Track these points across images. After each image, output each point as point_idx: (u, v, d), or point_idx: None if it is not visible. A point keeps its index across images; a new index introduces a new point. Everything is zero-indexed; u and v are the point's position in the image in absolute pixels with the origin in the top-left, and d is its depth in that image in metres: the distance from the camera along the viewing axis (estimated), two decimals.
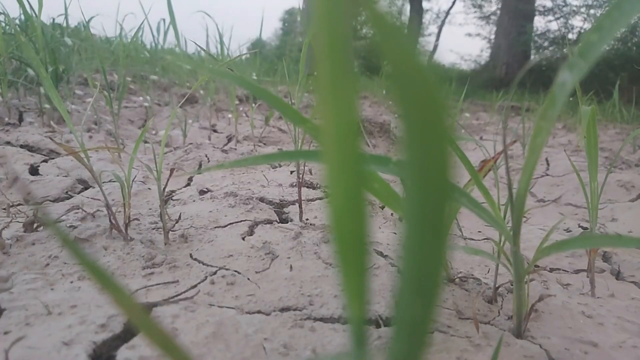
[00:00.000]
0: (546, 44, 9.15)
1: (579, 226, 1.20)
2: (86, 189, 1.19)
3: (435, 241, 0.16)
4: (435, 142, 0.15)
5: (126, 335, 0.56)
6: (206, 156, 1.63)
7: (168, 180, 0.89)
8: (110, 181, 1.20)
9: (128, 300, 0.18)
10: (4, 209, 0.94)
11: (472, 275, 0.79)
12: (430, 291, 0.17)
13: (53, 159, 1.40)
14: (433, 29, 13.35)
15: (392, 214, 1.16)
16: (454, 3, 12.53)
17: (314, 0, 0.15)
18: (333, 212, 0.18)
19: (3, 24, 2.13)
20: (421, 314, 0.17)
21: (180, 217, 0.94)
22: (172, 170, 0.89)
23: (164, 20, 3.29)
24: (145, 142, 1.81)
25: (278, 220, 1.05)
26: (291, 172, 1.50)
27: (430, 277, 0.17)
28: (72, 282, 0.68)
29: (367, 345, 0.20)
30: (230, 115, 2.45)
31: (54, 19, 2.55)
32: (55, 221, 0.82)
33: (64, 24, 2.54)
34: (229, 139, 2.08)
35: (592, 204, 0.74)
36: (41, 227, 0.84)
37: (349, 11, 0.15)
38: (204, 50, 1.29)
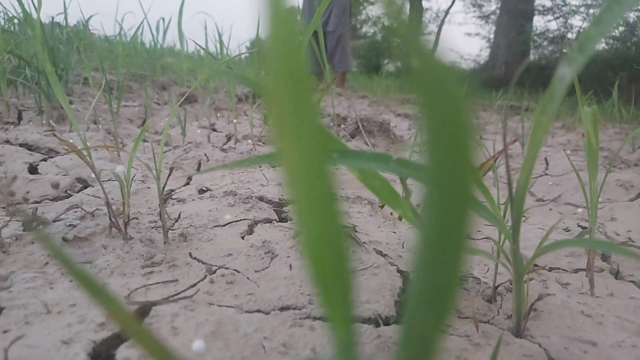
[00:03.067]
0: (545, 43, 9.16)
1: (578, 225, 1.20)
2: (85, 187, 1.19)
3: (454, 252, 0.16)
4: (458, 149, 0.14)
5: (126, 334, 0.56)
6: (205, 155, 1.63)
7: (167, 179, 0.89)
8: (109, 180, 1.20)
9: (118, 306, 0.18)
10: (3, 207, 0.94)
11: (472, 274, 0.79)
12: (443, 303, 0.16)
13: (52, 157, 1.39)
14: (432, 28, 13.35)
15: (391, 213, 1.16)
16: (453, 2, 12.53)
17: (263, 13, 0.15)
18: (307, 244, 0.17)
19: (2, 22, 2.12)
20: (432, 325, 0.17)
21: (179, 216, 0.94)
22: (171, 169, 0.89)
23: (163, 19, 3.29)
24: (145, 141, 1.81)
25: (277, 219, 1.05)
26: None
27: (445, 290, 0.16)
28: (71, 281, 0.68)
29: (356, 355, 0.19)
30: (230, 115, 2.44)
31: (53, 18, 2.55)
32: (41, 224, 0.82)
33: (63, 23, 2.54)
34: (229, 138, 2.08)
35: (591, 204, 0.74)
36: (40, 227, 0.84)
37: (292, 15, 0.15)
38: (203, 49, 1.29)
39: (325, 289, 0.18)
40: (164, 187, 0.85)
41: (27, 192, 1.09)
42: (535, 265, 0.88)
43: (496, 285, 0.71)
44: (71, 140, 1.52)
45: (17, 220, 0.87)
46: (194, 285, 0.70)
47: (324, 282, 0.17)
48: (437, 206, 0.15)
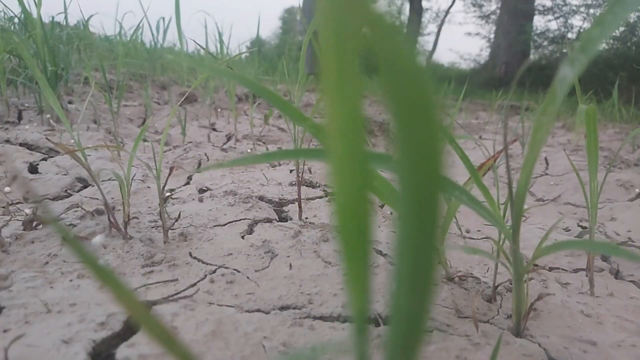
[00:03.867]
0: (546, 43, 9.15)
1: (578, 225, 1.20)
2: (85, 187, 1.19)
3: (427, 235, 0.16)
4: (426, 138, 0.15)
5: (125, 333, 0.56)
6: (205, 155, 1.63)
7: (167, 178, 0.89)
8: (109, 179, 1.20)
9: (129, 296, 0.18)
10: (3, 207, 0.94)
11: (472, 274, 0.79)
12: (424, 285, 0.17)
13: (52, 157, 1.39)
14: (432, 28, 13.35)
15: (391, 213, 1.16)
16: (453, 2, 12.50)
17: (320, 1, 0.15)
18: (338, 209, 0.18)
19: (2, 22, 2.12)
20: (416, 307, 0.17)
21: (179, 215, 0.94)
22: (171, 169, 0.89)
23: (163, 18, 3.29)
24: (145, 140, 1.81)
25: (277, 219, 1.05)
26: (290, 171, 1.50)
27: (424, 271, 0.17)
28: (71, 280, 0.68)
29: (368, 339, 0.20)
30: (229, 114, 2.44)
31: (53, 17, 2.55)
32: (56, 219, 0.82)
33: (64, 23, 2.54)
34: (229, 138, 2.08)
35: (591, 203, 0.74)
36: (40, 226, 0.84)
37: (356, 10, 0.15)
38: (203, 48, 1.29)
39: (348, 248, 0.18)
40: (164, 187, 0.85)
41: (27, 192, 1.09)
42: (535, 265, 0.88)
43: (496, 285, 0.71)
44: (72, 141, 1.52)
45: (18, 220, 0.87)
46: (194, 284, 0.70)
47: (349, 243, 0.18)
48: (410, 195, 0.16)
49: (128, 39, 3.28)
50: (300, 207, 1.05)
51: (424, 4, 12.18)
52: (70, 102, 2.06)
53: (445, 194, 0.54)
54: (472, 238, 1.04)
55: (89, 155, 1.35)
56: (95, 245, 0.61)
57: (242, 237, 0.91)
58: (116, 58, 2.68)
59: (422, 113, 0.15)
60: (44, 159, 1.37)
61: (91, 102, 1.96)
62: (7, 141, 1.44)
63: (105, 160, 1.40)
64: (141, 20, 2.61)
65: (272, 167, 1.60)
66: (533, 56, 8.85)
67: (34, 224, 0.84)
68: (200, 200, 1.12)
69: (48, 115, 1.76)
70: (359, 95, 0.16)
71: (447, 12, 12.46)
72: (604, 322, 0.66)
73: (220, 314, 0.60)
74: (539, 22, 9.60)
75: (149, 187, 1.22)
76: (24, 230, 0.82)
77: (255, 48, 3.01)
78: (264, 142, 2.08)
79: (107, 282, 0.18)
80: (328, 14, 0.15)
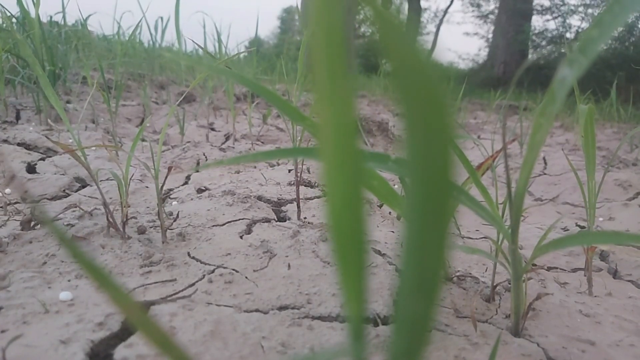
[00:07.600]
0: (544, 43, 9.17)
1: (577, 225, 1.21)
2: (83, 187, 1.19)
3: (437, 240, 0.16)
4: (437, 141, 0.15)
5: (124, 333, 0.56)
6: (204, 154, 1.63)
7: (166, 178, 0.89)
8: (107, 179, 1.20)
9: (125, 298, 0.18)
10: (1, 207, 0.94)
11: (470, 274, 0.79)
12: (430, 289, 0.17)
13: (50, 157, 1.39)
14: (431, 27, 13.34)
15: (390, 212, 1.16)
16: (452, 2, 12.50)
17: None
18: (331, 209, 0.18)
19: (0, 21, 2.12)
20: (422, 312, 0.17)
21: (178, 215, 0.94)
22: (169, 169, 0.89)
23: (161, 18, 3.29)
24: (143, 140, 1.80)
25: (276, 219, 1.05)
26: (289, 171, 1.50)
27: (431, 276, 0.17)
28: (69, 280, 0.68)
29: (365, 342, 0.20)
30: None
31: (51, 17, 2.55)
32: (53, 219, 0.81)
33: (62, 22, 2.53)
34: (227, 138, 2.07)
35: (589, 203, 0.75)
36: (38, 226, 0.84)
37: (346, 8, 0.15)
38: (201, 48, 1.29)
39: (342, 253, 0.18)
40: (162, 187, 0.85)
41: (25, 192, 1.09)
42: (534, 265, 0.88)
43: (495, 284, 0.71)
44: (70, 140, 1.51)
45: (15, 220, 0.87)
46: (193, 284, 0.70)
47: (342, 245, 0.18)
48: (419, 198, 0.16)
49: (126, 38, 3.28)
50: (298, 206, 1.05)
51: (423, 3, 12.19)
52: (68, 102, 2.06)
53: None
54: (470, 238, 1.04)
55: (86, 155, 1.35)
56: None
57: (241, 237, 0.90)
58: (114, 57, 2.67)
59: (434, 114, 0.15)
60: (42, 159, 1.36)
61: (89, 102, 1.96)
62: (5, 141, 1.44)
63: (103, 160, 1.40)
64: (140, 20, 2.60)
65: (271, 167, 1.60)
66: (531, 56, 8.87)
67: (32, 223, 0.84)
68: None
69: (51, 117, 1.75)
70: (350, 93, 0.16)
71: (446, 11, 12.46)
72: (602, 321, 0.67)
73: (219, 314, 0.60)
74: (537, 21, 9.62)
75: (147, 187, 1.22)
76: (22, 230, 0.82)
77: (254, 48, 3.01)
78: (262, 142, 2.08)
79: (102, 284, 0.18)
80: (319, 11, 0.15)
